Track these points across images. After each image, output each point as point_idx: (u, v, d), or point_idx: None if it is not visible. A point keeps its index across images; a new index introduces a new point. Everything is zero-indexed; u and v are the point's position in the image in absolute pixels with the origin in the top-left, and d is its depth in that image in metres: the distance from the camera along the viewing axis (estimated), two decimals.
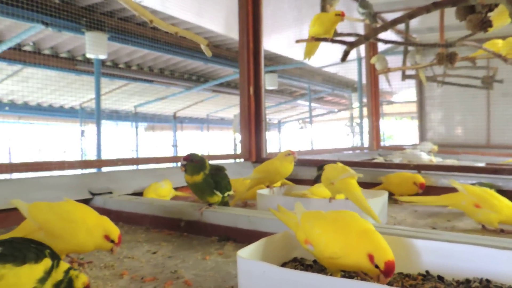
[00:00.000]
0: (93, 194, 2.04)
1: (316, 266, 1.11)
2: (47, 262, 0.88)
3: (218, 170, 1.69)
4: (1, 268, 0.82)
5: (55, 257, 0.92)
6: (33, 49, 6.63)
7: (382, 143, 5.58)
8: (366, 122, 5.76)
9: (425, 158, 3.94)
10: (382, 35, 2.78)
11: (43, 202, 1.23)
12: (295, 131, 16.93)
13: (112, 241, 1.16)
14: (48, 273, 0.88)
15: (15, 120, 9.97)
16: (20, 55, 6.32)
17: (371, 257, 0.90)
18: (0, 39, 5.98)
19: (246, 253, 0.96)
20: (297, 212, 1.11)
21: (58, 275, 0.90)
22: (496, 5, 1.92)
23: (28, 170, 1.91)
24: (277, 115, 15.37)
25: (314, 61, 8.32)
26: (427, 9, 1.86)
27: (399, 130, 16.37)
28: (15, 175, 1.98)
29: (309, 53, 2.38)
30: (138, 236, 1.68)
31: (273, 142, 15.59)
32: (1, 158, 9.64)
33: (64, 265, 0.93)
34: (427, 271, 1.04)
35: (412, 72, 4.89)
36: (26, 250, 0.88)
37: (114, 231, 1.17)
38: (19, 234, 1.20)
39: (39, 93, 8.41)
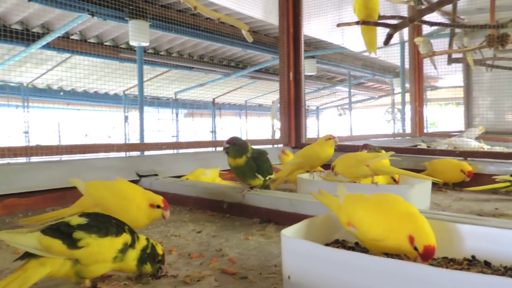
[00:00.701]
0: (140, 176, 2.13)
1: (357, 248, 1.13)
2: (126, 236, 0.98)
3: (260, 154, 1.72)
4: (87, 237, 0.92)
5: (133, 232, 1.03)
6: (80, 38, 6.91)
7: (425, 130, 5.41)
8: (408, 108, 5.59)
9: (474, 145, 3.78)
10: (428, 17, 2.68)
11: (98, 181, 1.33)
12: (333, 118, 16.69)
13: (158, 207, 1.24)
14: (128, 245, 0.98)
15: (64, 106, 10.47)
16: (68, 44, 6.60)
17: (411, 239, 0.90)
18: (50, 28, 6.27)
19: (290, 233, 0.98)
20: (340, 195, 1.12)
21: (141, 242, 1.02)
22: None
23: (81, 152, 2.03)
24: (315, 101, 15.20)
25: (354, 46, 8.13)
26: None
27: (444, 116, 15.74)
28: (69, 157, 2.10)
29: (371, 44, 2.32)
30: (183, 216, 1.75)
31: (311, 128, 15.46)
32: (52, 142, 10.18)
33: (142, 236, 1.05)
34: (473, 256, 1.03)
35: (459, 56, 4.69)
36: (108, 224, 0.97)
37: (157, 198, 1.26)
38: (77, 210, 1.29)
39: (86, 80, 8.78)
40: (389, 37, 2.32)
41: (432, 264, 1.03)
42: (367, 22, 2.33)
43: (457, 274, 0.69)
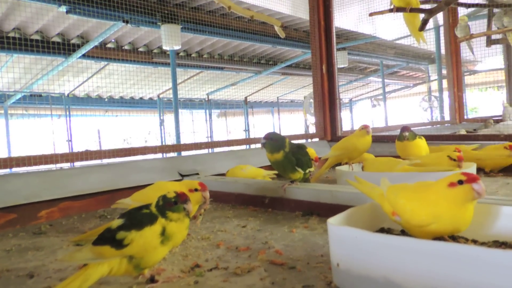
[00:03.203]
0: (182, 176, 2.20)
1: (404, 236, 1.13)
2: (160, 220, 1.04)
3: (299, 148, 1.74)
4: (129, 234, 1.00)
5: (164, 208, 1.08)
6: (114, 46, 7.16)
7: (465, 116, 5.23)
8: (446, 95, 5.42)
9: None
10: None
11: (139, 191, 1.51)
12: (367, 110, 16.39)
13: (196, 190, 1.32)
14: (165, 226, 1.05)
15: (102, 113, 10.88)
16: (104, 52, 6.86)
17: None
18: (87, 39, 6.54)
19: (336, 221, 1.00)
20: (383, 186, 1.12)
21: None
22: None
23: (126, 155, 2.13)
24: (348, 93, 14.99)
25: (386, 34, 7.96)
26: None
27: (484, 101, 15.10)
28: (115, 160, 2.20)
29: (417, 33, 2.27)
30: (227, 212, 1.80)
31: (346, 121, 15.25)
32: (93, 148, 10.60)
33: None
34: None
35: (499, 37, 4.49)
36: (141, 217, 1.03)
37: (193, 182, 1.36)
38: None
39: (122, 86, 9.09)
40: (424, 22, 2.27)
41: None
42: (401, 9, 2.29)
43: (510, 253, 0.69)
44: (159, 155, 2.47)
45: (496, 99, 13.10)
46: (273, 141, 1.69)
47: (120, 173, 2.04)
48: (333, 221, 0.97)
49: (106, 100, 9.62)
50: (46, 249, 1.38)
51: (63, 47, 6.14)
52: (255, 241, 1.35)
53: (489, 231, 1.05)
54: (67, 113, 8.28)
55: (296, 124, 14.15)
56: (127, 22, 5.44)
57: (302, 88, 12.08)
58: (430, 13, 2.27)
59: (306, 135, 3.35)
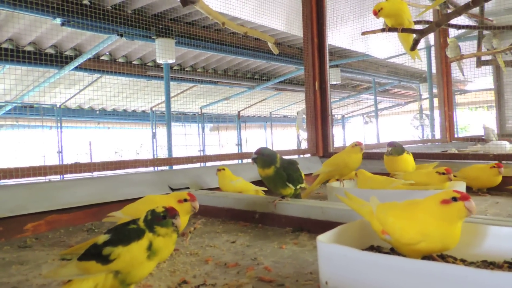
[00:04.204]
0: (173, 189, 2.19)
1: (393, 254, 1.12)
2: (148, 235, 1.03)
3: (290, 164, 1.74)
4: (116, 249, 0.99)
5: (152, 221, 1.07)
6: (109, 58, 7.17)
7: (456, 135, 5.29)
8: (437, 113, 5.48)
9: (508, 147, 3.69)
10: (454, 20, 2.65)
11: (129, 204, 1.51)
12: (359, 126, 16.50)
13: (186, 200, 1.34)
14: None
15: (94, 125, 10.82)
16: (97, 65, 6.86)
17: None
18: (81, 51, 6.54)
19: (325, 239, 1.00)
20: (373, 204, 1.12)
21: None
22: None
23: (117, 168, 2.11)
24: (341, 110, 15.10)
25: (379, 53, 8.07)
26: None
27: (474, 121, 15.30)
28: (104, 173, 2.18)
29: (411, 51, 2.31)
30: (216, 227, 1.78)
31: (338, 138, 15.32)
32: (84, 160, 10.51)
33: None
34: None
35: (489, 58, 4.58)
36: (127, 232, 1.02)
37: (182, 193, 1.37)
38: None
39: (115, 99, 9.07)
40: (415, 42, 2.31)
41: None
42: (393, 29, 2.33)
43: (498, 274, 0.69)
44: (150, 169, 2.45)
45: (486, 118, 13.28)
46: (264, 157, 1.69)
47: (109, 186, 2.02)
48: (322, 239, 0.97)
49: (97, 113, 9.56)
50: (31, 263, 1.35)
51: (57, 59, 6.13)
52: (244, 257, 1.34)
53: (478, 250, 1.05)
54: (59, 124, 8.22)
55: (289, 139, 14.18)
56: (121, 35, 5.46)
57: (295, 103, 12.15)
58: (421, 33, 2.31)
59: (298, 151, 3.35)
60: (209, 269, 1.23)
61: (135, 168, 2.32)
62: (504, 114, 6.35)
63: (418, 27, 2.43)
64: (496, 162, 2.29)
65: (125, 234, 1.03)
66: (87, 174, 2.15)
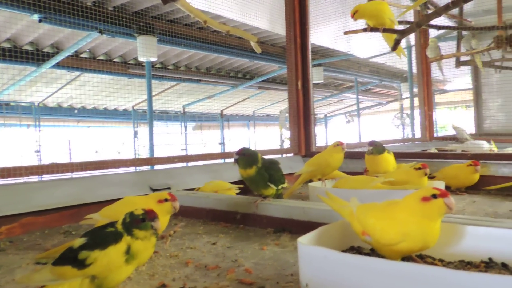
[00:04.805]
0: (153, 190, 2.15)
1: (373, 255, 1.12)
2: (126, 238, 1.01)
3: (272, 164, 1.74)
4: (92, 254, 0.96)
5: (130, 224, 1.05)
6: (89, 56, 7.04)
7: (435, 134, 5.37)
8: (417, 113, 5.57)
9: (486, 147, 3.76)
10: (434, 21, 2.69)
11: (108, 205, 1.47)
12: (342, 125, 16.66)
13: (166, 200, 1.33)
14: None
15: (74, 124, 10.62)
16: (77, 62, 6.73)
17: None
18: (60, 48, 6.40)
19: (306, 240, 0.99)
20: (353, 205, 1.12)
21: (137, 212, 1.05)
22: None
23: (96, 169, 2.06)
24: (323, 109, 15.20)
25: (361, 52, 8.14)
26: None
27: (453, 120, 15.60)
28: (83, 174, 2.13)
29: (392, 49, 2.34)
30: (197, 229, 1.76)
31: (320, 136, 15.43)
32: (63, 160, 10.31)
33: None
34: (490, 259, 1.02)
35: (467, 58, 4.67)
36: (105, 236, 0.99)
37: (162, 193, 1.36)
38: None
39: (95, 97, 8.91)
40: (396, 42, 2.33)
41: (449, 268, 1.03)
42: (375, 29, 2.34)
43: (475, 275, 0.70)
44: (130, 169, 2.41)
45: (465, 118, 13.56)
46: (245, 157, 1.68)
47: (88, 187, 1.97)
48: (303, 240, 0.96)
49: (75, 112, 9.37)
50: (4, 268, 1.31)
51: (34, 56, 5.99)
52: (224, 259, 1.32)
53: (456, 250, 1.07)
54: (37, 123, 8.04)
55: (272, 138, 14.21)
56: (102, 32, 5.36)
57: (278, 102, 12.17)
58: (402, 33, 2.33)
59: (281, 150, 3.35)
60: (189, 271, 1.21)
61: (115, 168, 2.28)
62: (481, 113, 6.49)
63: (400, 27, 2.45)
64: (473, 160, 2.33)
65: (102, 237, 1.00)
66: (65, 175, 2.10)
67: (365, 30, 2.39)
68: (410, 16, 5.01)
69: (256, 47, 2.00)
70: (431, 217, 0.97)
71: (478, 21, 5.82)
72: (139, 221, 1.04)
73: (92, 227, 1.41)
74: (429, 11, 2.92)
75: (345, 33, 2.53)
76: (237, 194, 2.24)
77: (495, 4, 3.78)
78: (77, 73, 7.37)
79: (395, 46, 2.30)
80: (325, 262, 0.87)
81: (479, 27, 2.92)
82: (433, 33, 5.76)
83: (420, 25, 2.25)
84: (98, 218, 1.41)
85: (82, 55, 6.92)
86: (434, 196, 0.97)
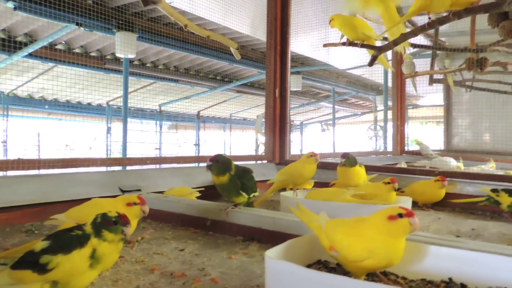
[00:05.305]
0: (123, 191, 2.11)
1: (339, 269, 1.14)
2: (92, 241, 0.99)
3: (245, 172, 1.74)
4: (55, 258, 0.93)
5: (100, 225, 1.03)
6: (64, 48, 6.86)
7: (406, 148, 5.51)
8: (390, 126, 5.70)
9: (453, 164, 3.89)
10: (411, 39, 2.76)
11: (75, 207, 1.42)
12: (317, 133, 16.85)
13: (135, 204, 1.31)
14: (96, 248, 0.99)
15: (44, 116, 10.32)
16: (52, 54, 6.54)
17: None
18: (35, 38, 6.21)
19: (273, 254, 0.99)
20: (322, 220, 1.14)
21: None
22: None
23: (64, 167, 2.01)
24: (299, 116, 15.34)
25: (339, 63, 8.27)
26: (458, 15, 1.85)
27: (424, 134, 16.04)
28: (50, 171, 2.07)
29: (381, 61, 2.40)
30: (166, 233, 1.74)
31: (295, 143, 15.55)
32: (31, 152, 9.99)
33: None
34: (450, 279, 1.06)
35: (440, 77, 4.83)
36: (69, 239, 0.97)
37: (131, 196, 1.34)
38: None
39: (69, 90, 8.69)
40: (373, 59, 2.37)
41: (410, 286, 1.06)
42: (353, 44, 2.39)
43: None
44: (102, 168, 2.36)
45: (435, 133, 13.96)
46: (219, 164, 1.68)
47: (55, 185, 1.92)
48: (270, 254, 0.96)
49: (46, 106, 9.10)
50: None
51: (7, 44, 5.79)
52: (191, 266, 1.31)
53: (418, 269, 1.09)
54: (5, 113, 7.76)
55: (247, 142, 14.22)
56: (80, 25, 5.24)
57: (255, 107, 12.20)
58: (379, 50, 2.38)
59: (255, 157, 3.36)
60: (154, 279, 1.19)
61: (86, 167, 2.23)
62: (451, 130, 6.70)
63: (380, 42, 2.51)
64: (440, 175, 2.40)
65: (66, 241, 0.98)
66: (31, 172, 2.04)
67: (343, 44, 2.43)
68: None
69: (236, 54, 2.01)
70: (396, 235, 0.99)
71: (452, 41, 6.03)
72: (110, 223, 1.02)
73: (56, 228, 1.38)
74: (407, 30, 3.00)
75: (325, 45, 2.56)
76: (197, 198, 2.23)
77: (469, 26, 3.92)
78: (51, 64, 7.17)
79: (371, 62, 2.34)
80: (291, 277, 0.87)
81: (452, 48, 3.02)
82: (409, 49, 5.92)
83: (397, 43, 2.30)
84: (64, 219, 1.37)
85: (57, 47, 6.74)
86: (400, 215, 0.99)
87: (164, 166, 3.03)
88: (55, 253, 0.93)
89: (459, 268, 1.05)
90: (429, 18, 1.92)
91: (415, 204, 2.37)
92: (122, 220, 1.03)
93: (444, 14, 1.88)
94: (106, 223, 1.01)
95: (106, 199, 1.38)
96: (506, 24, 1.93)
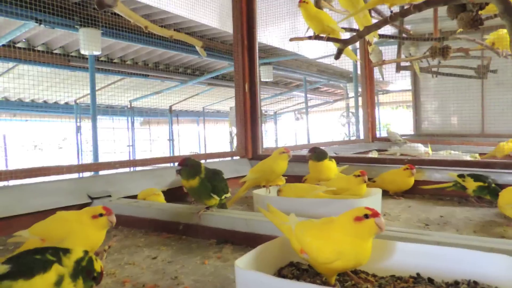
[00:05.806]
0: (92, 198, 2.06)
1: (311, 270, 1.15)
2: (57, 268, 0.94)
3: (215, 174, 1.72)
4: (14, 284, 0.88)
5: (63, 250, 0.99)
6: (26, 46, 6.60)
7: (378, 133, 5.62)
8: (361, 112, 5.78)
9: (422, 150, 3.99)
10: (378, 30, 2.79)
11: (38, 222, 1.35)
12: (291, 122, 16.95)
13: (101, 215, 1.27)
14: (62, 276, 0.94)
15: (9, 117, 9.94)
16: (13, 52, 6.28)
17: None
18: None
19: (244, 262, 0.99)
20: (292, 222, 1.14)
21: (76, 254, 0.98)
22: (487, 4, 1.94)
23: (27, 177, 1.93)
24: (273, 106, 15.38)
25: (309, 53, 8.31)
26: (419, 8, 1.87)
27: (396, 119, 16.42)
28: (14, 182, 2.00)
29: (349, 54, 2.42)
30: (138, 240, 1.71)
31: (270, 134, 15.62)
32: None
33: (79, 249, 1.01)
34: (418, 274, 1.08)
35: (407, 64, 4.92)
36: (32, 263, 0.93)
37: (97, 208, 1.30)
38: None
39: (34, 89, 8.38)
40: (339, 52, 2.39)
41: (380, 283, 1.07)
42: (319, 37, 2.39)
43: None
44: (66, 175, 2.28)
45: (406, 117, 14.29)
46: (188, 168, 1.66)
47: (18, 197, 1.84)
48: (240, 264, 0.96)
49: (12, 103, 8.76)
50: None
51: None
52: (164, 276, 1.29)
53: (387, 265, 1.12)
54: None
55: (222, 134, 14.16)
56: (40, 22, 5.03)
57: (228, 99, 12.13)
58: (345, 43, 2.39)
59: (227, 153, 3.34)
60: None
61: (59, 175, 2.15)
62: (420, 115, 6.87)
63: (346, 34, 2.53)
64: (409, 164, 2.46)
65: (28, 265, 0.93)
66: None
67: (310, 38, 2.44)
68: (355, 23, 5.17)
69: (201, 52, 1.97)
70: (363, 236, 1.00)
71: (417, 28, 6.15)
72: (90, 275, 0.99)
73: (20, 245, 1.32)
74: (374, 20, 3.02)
75: (291, 39, 2.55)
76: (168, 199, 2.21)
77: (432, 13, 4.00)
78: (13, 63, 6.89)
79: (337, 55, 2.36)
80: (262, 287, 0.87)
81: (416, 37, 3.07)
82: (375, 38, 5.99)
83: (361, 36, 2.31)
84: (27, 236, 1.32)
85: (18, 45, 6.47)
86: (366, 216, 1.00)
87: (138, 168, 2.98)
88: (15, 279, 0.89)
89: (426, 263, 1.08)
90: (391, 11, 1.94)
91: (386, 193, 2.42)
92: (100, 279, 1.01)
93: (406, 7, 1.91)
94: (87, 273, 0.98)
95: (71, 212, 1.34)
96: (464, 16, 1.97)
